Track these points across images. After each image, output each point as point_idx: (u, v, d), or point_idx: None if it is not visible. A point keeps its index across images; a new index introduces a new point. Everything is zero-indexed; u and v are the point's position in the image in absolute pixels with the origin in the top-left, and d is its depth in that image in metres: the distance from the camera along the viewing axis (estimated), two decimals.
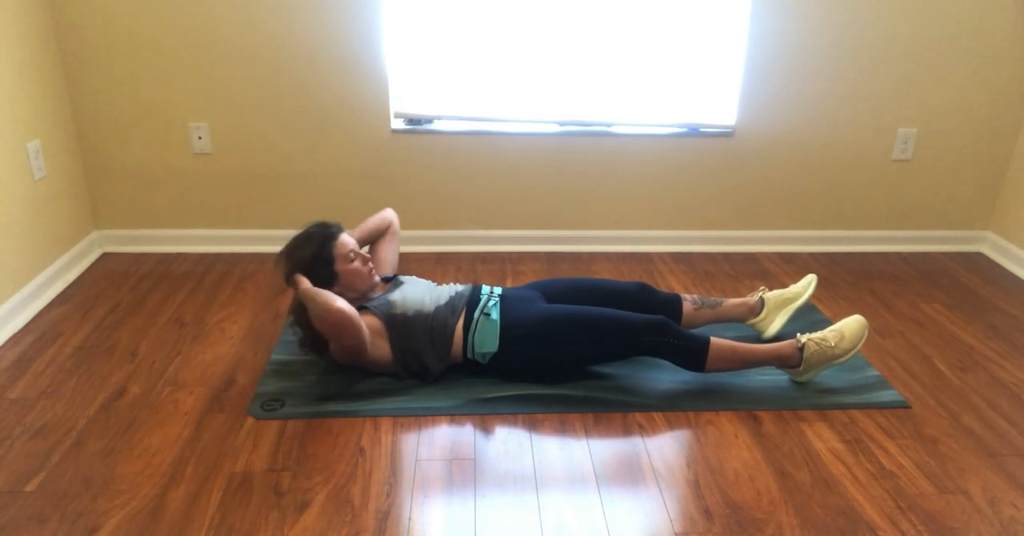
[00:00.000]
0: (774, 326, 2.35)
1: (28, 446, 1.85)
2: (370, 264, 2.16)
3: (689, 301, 2.32)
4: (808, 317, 2.56)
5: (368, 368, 2.12)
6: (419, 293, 2.16)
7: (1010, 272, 3.01)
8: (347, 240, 2.13)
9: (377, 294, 2.20)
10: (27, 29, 2.50)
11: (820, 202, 3.10)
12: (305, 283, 2.00)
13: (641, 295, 2.28)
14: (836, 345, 2.10)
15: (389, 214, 2.41)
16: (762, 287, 2.44)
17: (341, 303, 1.91)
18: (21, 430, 1.91)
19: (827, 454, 1.88)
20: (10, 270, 2.40)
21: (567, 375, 2.15)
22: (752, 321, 2.37)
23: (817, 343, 2.09)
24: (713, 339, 2.07)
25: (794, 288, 2.39)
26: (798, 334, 2.13)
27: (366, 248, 2.40)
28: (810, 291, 2.39)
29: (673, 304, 2.30)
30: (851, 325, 2.13)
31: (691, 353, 2.06)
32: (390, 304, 2.11)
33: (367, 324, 2.06)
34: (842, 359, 2.11)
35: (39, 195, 2.57)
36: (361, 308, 2.12)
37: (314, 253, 2.08)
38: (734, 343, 2.10)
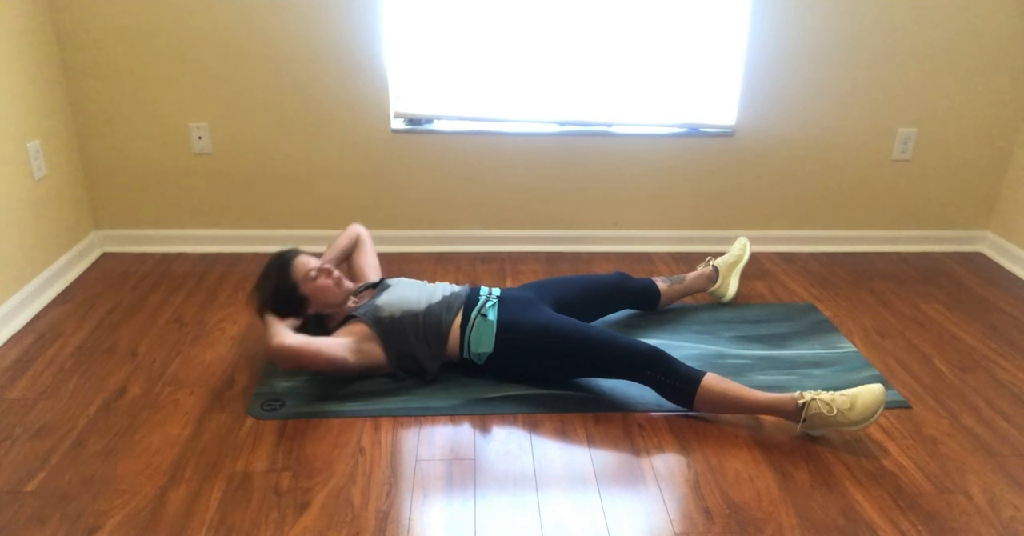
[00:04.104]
0: (731, 289, 2.61)
1: (28, 446, 1.85)
2: (337, 276, 2.15)
3: (661, 281, 2.53)
4: (807, 317, 2.56)
5: (364, 374, 2.12)
6: (406, 293, 2.17)
7: (1010, 272, 3.01)
8: (304, 261, 2.14)
9: (364, 301, 2.22)
10: (27, 29, 2.50)
11: (820, 202, 3.10)
12: (268, 319, 2.02)
13: (622, 283, 2.44)
14: (841, 413, 1.85)
15: (355, 228, 2.47)
16: (709, 257, 2.67)
17: (285, 339, 1.91)
18: (21, 430, 1.91)
19: (827, 454, 1.88)
20: (10, 270, 2.40)
21: (560, 381, 2.15)
22: (712, 289, 2.60)
23: (823, 405, 1.86)
24: (705, 381, 1.93)
25: (734, 252, 2.65)
26: (804, 391, 1.92)
27: (343, 266, 2.46)
28: (748, 250, 2.65)
29: (650, 289, 2.49)
30: (865, 396, 1.85)
31: (678, 392, 1.96)
32: (377, 308, 2.12)
33: (356, 331, 2.08)
34: (848, 429, 1.87)
35: (39, 195, 2.58)
36: (350, 317, 2.15)
37: (276, 283, 2.12)
38: (728, 389, 1.94)
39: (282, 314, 2.10)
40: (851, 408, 1.84)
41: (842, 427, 1.86)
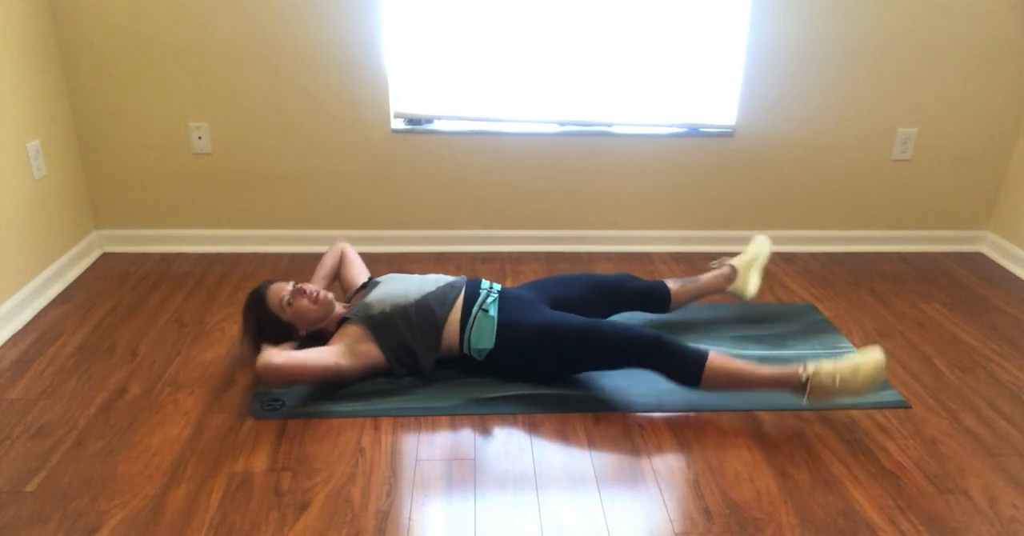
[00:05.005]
0: (751, 286, 2.45)
1: (28, 446, 1.85)
2: (312, 292, 2.13)
3: (672, 282, 2.43)
4: (807, 317, 2.56)
5: (365, 376, 2.12)
6: (396, 288, 2.17)
7: (1010, 272, 3.01)
8: (277, 290, 2.13)
9: (355, 303, 2.23)
10: (27, 29, 2.50)
11: (820, 202, 3.10)
12: (262, 354, 1.97)
13: (628, 283, 2.38)
14: (845, 383, 1.87)
15: (338, 246, 2.50)
16: (723, 257, 2.57)
17: (272, 359, 1.91)
18: (21, 430, 1.91)
19: (827, 454, 1.88)
20: (10, 270, 2.40)
21: (562, 378, 2.15)
22: (731, 288, 2.47)
23: (826, 376, 1.88)
24: (710, 359, 1.95)
25: (750, 250, 2.52)
26: (807, 362, 1.93)
27: (334, 283, 2.49)
28: (767, 245, 2.50)
29: (659, 289, 2.40)
30: (867, 366, 1.87)
31: (685, 373, 1.98)
32: (367, 307, 2.12)
33: (349, 333, 2.09)
34: (851, 399, 1.93)
35: (39, 195, 2.58)
36: (342, 321, 2.16)
37: (257, 320, 2.12)
38: (733, 366, 1.96)
39: (275, 343, 2.11)
40: (854, 378, 1.86)
41: (846, 397, 1.88)
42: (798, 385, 1.91)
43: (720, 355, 1.98)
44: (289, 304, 2.10)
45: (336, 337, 2.11)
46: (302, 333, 2.15)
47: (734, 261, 2.52)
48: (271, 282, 2.17)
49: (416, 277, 2.26)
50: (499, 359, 2.11)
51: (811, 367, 1.90)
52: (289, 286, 2.13)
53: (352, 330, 2.10)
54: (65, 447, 1.85)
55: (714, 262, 2.55)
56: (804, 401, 1.92)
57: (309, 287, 2.14)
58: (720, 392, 2.03)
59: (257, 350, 2.11)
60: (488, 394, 2.09)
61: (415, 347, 2.10)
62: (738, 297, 2.50)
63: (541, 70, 2.87)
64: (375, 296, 2.15)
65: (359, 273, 2.45)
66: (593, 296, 2.33)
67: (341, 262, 2.47)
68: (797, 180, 3.06)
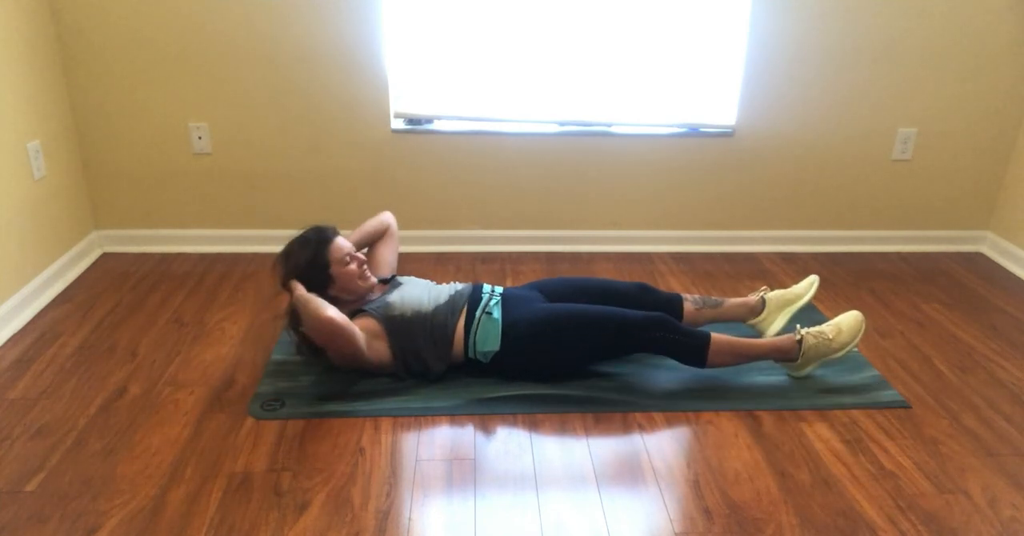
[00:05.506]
0: (774, 327, 2.33)
1: (28, 446, 1.85)
2: (365, 266, 2.17)
3: (690, 301, 2.32)
4: (808, 317, 2.55)
5: (369, 370, 2.12)
6: (417, 293, 2.17)
7: (1010, 272, 3.01)
8: (342, 244, 2.14)
9: (375, 296, 2.21)
10: (27, 29, 2.50)
11: (820, 202, 3.10)
12: (299, 289, 2.00)
13: (642, 295, 2.29)
14: (833, 338, 2.12)
15: (387, 217, 2.43)
16: (764, 287, 2.42)
17: (331, 312, 1.90)
18: (21, 430, 1.91)
19: (827, 454, 1.88)
20: (10, 270, 2.40)
21: (568, 374, 2.15)
22: (752, 321, 2.37)
23: (815, 337, 2.11)
24: (713, 334, 2.08)
25: (795, 289, 2.38)
26: (797, 326, 2.15)
27: (363, 250, 2.41)
28: (812, 293, 2.36)
29: (674, 304, 2.30)
30: (848, 320, 2.15)
31: (691, 349, 2.07)
32: (388, 306, 2.11)
33: (365, 327, 2.07)
34: (839, 353, 2.13)
35: (39, 195, 2.58)
36: (359, 311, 2.13)
37: (309, 258, 2.10)
38: (733, 338, 2.10)
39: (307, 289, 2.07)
40: (839, 332, 2.12)
41: (835, 353, 2.12)
42: (792, 348, 2.10)
43: (718, 334, 2.10)
44: (347, 263, 2.11)
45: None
46: (331, 293, 2.13)
47: (771, 295, 2.37)
48: (339, 232, 2.18)
49: (434, 285, 2.25)
50: (504, 360, 2.10)
51: (801, 331, 2.12)
52: (350, 247, 2.15)
53: (369, 324, 2.09)
54: (65, 447, 1.85)
55: (760, 290, 2.41)
56: (799, 365, 2.13)
57: (366, 264, 2.17)
58: (721, 367, 2.14)
59: (285, 281, 2.09)
60: (488, 394, 2.09)
61: (427, 357, 2.10)
62: (757, 333, 2.37)
63: (541, 70, 2.87)
64: (397, 297, 2.14)
65: (389, 258, 2.39)
66: (599, 304, 2.21)
67: (383, 237, 2.41)
68: (797, 180, 3.06)
